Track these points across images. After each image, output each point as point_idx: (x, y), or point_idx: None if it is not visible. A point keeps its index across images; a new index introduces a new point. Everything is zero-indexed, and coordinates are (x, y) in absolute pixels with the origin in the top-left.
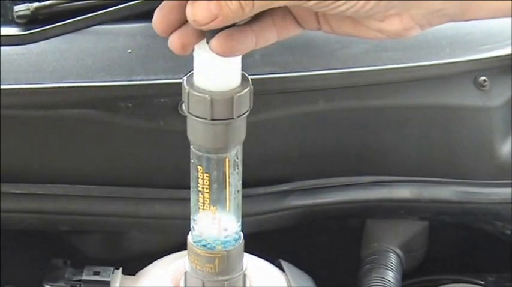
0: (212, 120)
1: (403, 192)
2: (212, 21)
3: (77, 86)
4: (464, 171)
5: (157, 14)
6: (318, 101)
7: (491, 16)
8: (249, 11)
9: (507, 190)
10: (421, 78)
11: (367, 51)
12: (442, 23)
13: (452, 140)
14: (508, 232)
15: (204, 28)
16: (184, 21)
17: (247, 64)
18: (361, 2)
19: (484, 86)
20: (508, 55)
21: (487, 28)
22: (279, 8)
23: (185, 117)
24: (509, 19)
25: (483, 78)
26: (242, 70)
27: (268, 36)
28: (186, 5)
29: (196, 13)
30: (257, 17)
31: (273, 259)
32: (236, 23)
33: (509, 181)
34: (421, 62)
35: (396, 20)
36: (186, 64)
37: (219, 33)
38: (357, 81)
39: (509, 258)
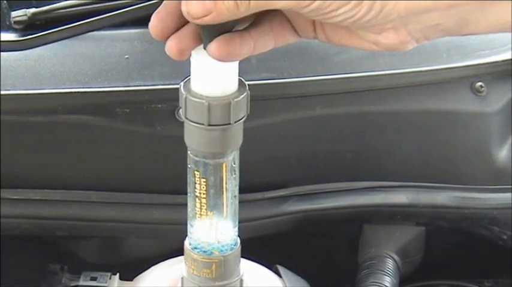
0: (209, 125)
1: (400, 197)
2: (205, 15)
3: (75, 92)
4: (461, 176)
5: (154, 18)
6: (314, 106)
7: (488, 31)
8: (244, 11)
9: (504, 195)
10: (417, 83)
11: (364, 57)
12: (438, 38)
13: (449, 145)
14: (505, 237)
15: (197, 22)
16: (180, 26)
17: (243, 69)
18: (359, 14)
19: (480, 92)
20: (504, 61)
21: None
22: (277, 15)
23: (182, 122)
24: None
25: (480, 83)
26: (239, 75)
27: (266, 42)
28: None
29: (191, 5)
30: (255, 23)
31: (270, 264)
32: (234, 28)
33: (506, 186)
34: (417, 67)
35: (392, 33)
36: (183, 70)
37: (217, 38)
38: (354, 86)
39: (506, 263)
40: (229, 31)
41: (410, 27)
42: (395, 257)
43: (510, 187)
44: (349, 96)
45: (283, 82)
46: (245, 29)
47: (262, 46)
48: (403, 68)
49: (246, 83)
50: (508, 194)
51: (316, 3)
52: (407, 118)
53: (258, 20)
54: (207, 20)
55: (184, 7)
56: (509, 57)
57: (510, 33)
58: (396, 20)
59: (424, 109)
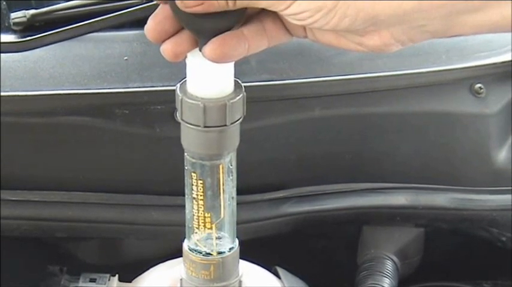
0: (205, 127)
1: (399, 199)
2: (197, 5)
3: (74, 93)
4: (460, 178)
5: (150, 22)
6: (314, 108)
7: (475, 32)
8: (232, 6)
9: (503, 196)
10: (417, 85)
11: (363, 58)
12: (424, 40)
13: (448, 147)
14: (504, 238)
15: (188, 10)
16: (177, 30)
17: (243, 71)
18: (334, 20)
19: (480, 93)
20: (503, 62)
21: (482, 35)
22: (270, 14)
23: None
24: None
25: (479, 85)
26: (238, 77)
27: (260, 42)
28: None
29: None
30: (249, 23)
31: (269, 265)
32: (230, 29)
33: (506, 188)
34: (417, 69)
35: (375, 36)
36: (182, 71)
37: (212, 39)
38: (353, 88)
39: (505, 265)
40: (225, 31)
41: (393, 30)
42: (395, 258)
43: (509, 188)
44: (348, 97)
45: (283, 84)
46: (239, 29)
47: (256, 46)
48: (402, 70)
49: (243, 84)
50: (507, 196)
51: (296, 3)
52: (407, 120)
53: (251, 19)
54: (198, 9)
55: None
56: (509, 58)
57: (510, 34)
58: (377, 24)
59: (423, 111)
